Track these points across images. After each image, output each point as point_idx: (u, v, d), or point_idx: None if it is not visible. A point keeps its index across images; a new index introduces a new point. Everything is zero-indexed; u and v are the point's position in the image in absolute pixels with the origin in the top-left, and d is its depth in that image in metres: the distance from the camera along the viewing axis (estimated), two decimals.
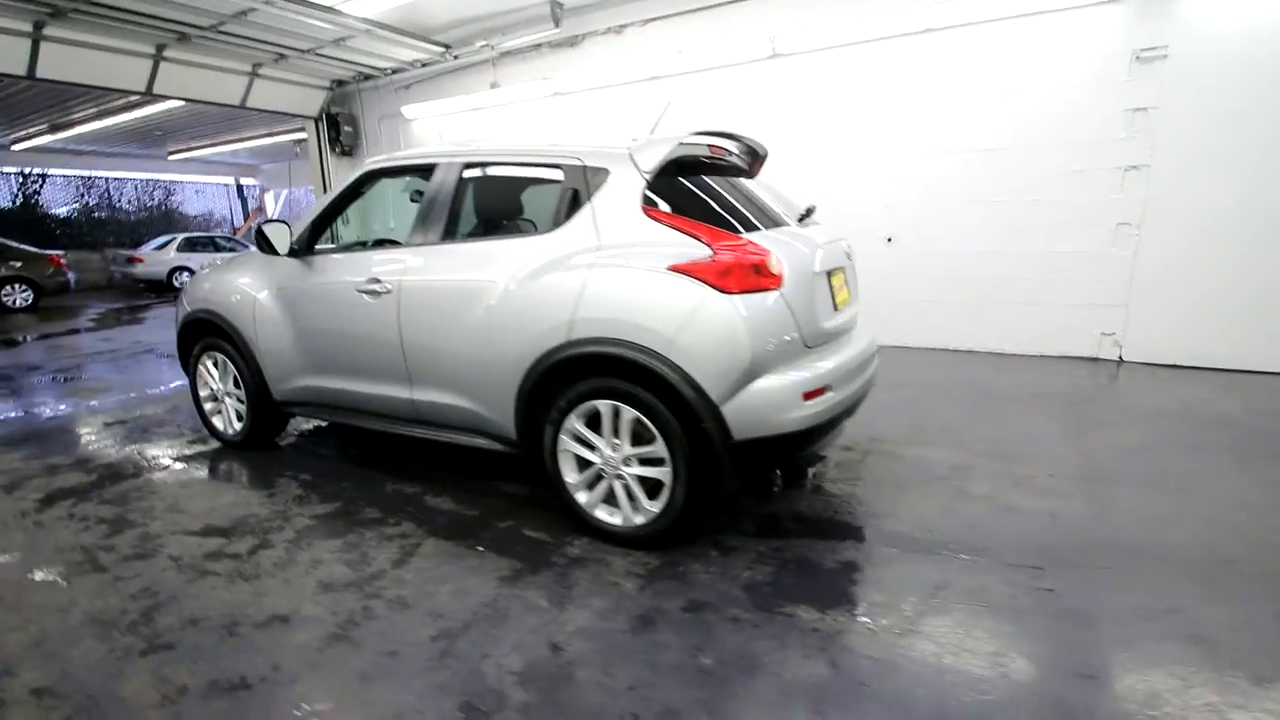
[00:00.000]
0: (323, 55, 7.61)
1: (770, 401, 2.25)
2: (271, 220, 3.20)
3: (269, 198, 19.88)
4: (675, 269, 2.25)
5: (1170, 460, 3.24)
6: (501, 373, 2.62)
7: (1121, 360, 5.33)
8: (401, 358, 2.90)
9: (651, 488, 2.43)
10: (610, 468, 2.46)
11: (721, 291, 2.20)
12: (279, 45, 7.25)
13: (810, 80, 6.17)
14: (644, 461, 2.40)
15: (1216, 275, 4.89)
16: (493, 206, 2.85)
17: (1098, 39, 5.02)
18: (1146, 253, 5.11)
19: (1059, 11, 5.08)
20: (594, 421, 2.48)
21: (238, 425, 3.72)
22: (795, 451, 2.35)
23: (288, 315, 3.29)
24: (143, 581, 2.37)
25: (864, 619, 2.03)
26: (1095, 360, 5.39)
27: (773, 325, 2.25)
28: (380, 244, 3.66)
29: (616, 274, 2.34)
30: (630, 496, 2.46)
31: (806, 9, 6.02)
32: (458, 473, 3.30)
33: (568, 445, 2.54)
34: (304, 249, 3.27)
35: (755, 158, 3.08)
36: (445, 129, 8.80)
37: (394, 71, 8.55)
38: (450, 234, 2.83)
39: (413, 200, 3.89)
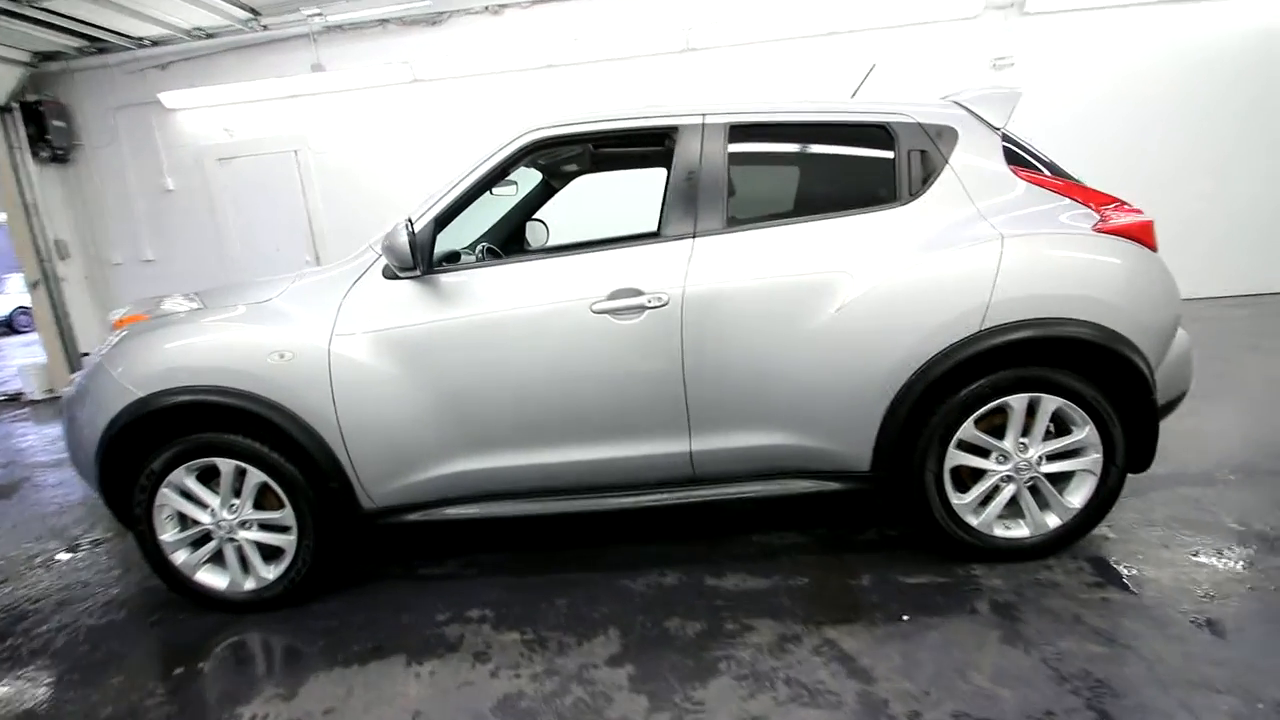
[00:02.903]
0: (49, 11, 5.03)
1: (1183, 359, 2.16)
2: (407, 226, 1.95)
3: None
4: (1105, 230, 2.01)
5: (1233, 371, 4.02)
6: (861, 388, 2.02)
7: None
8: (681, 397, 2.04)
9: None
10: (1022, 470, 2.09)
11: (1153, 251, 2.04)
12: None
13: (726, 75, 6.19)
14: (1051, 456, 2.10)
15: None
16: (805, 178, 2.18)
17: (966, 47, 6.03)
18: None
19: (936, 23, 5.98)
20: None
21: (268, 572, 2.22)
22: (1172, 410, 2.30)
23: (414, 370, 2.06)
24: None
25: None
26: None
27: None
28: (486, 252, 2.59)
29: (1045, 242, 1.99)
30: (1037, 497, 2.13)
31: (717, 4, 6.03)
32: (673, 540, 2.48)
33: (956, 459, 2.09)
34: (426, 264, 2.08)
35: None
36: (237, 122, 6.63)
37: (153, 43, 6.12)
38: (737, 218, 2.09)
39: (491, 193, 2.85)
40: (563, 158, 2.88)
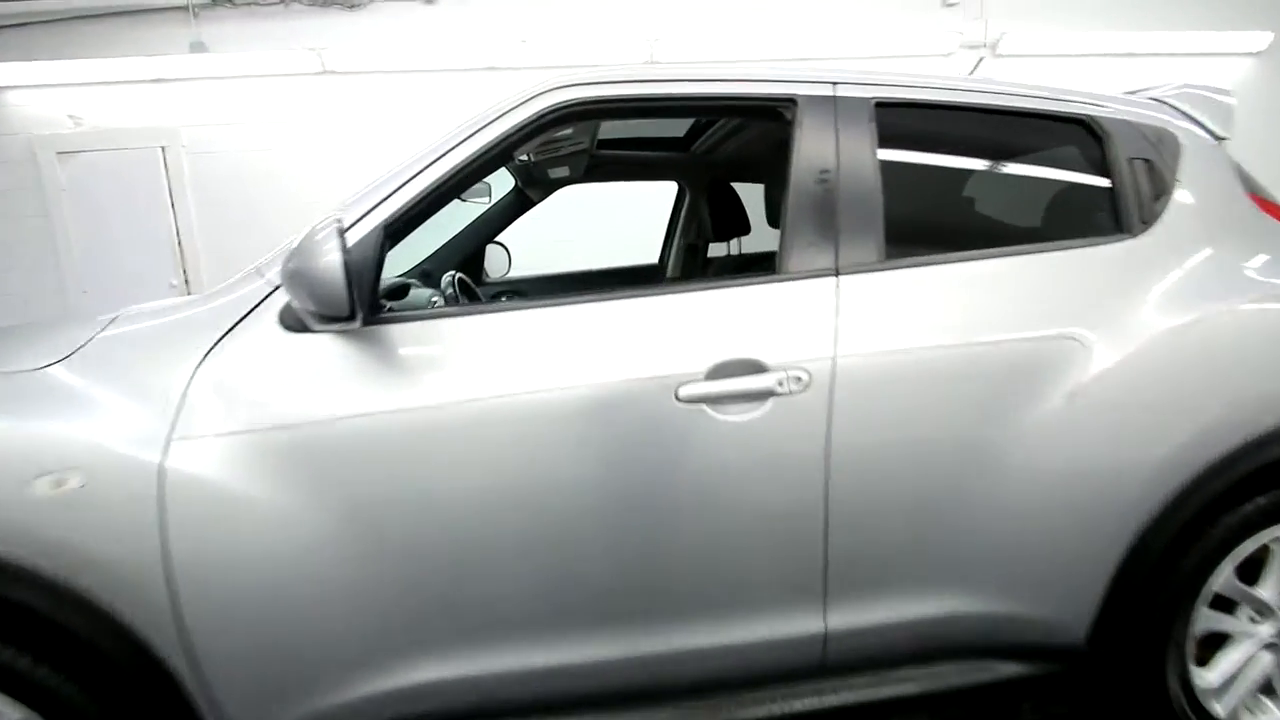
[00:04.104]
0: None
1: None
2: (338, 234, 1.01)
3: None
4: None
5: None
6: (1096, 519, 1.28)
7: None
8: (819, 540, 1.20)
9: None
10: None
11: None
12: None
13: None
14: None
15: None
16: (989, 189, 1.44)
17: None
18: None
19: (911, 57, 5.71)
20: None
21: None
22: None
23: (339, 503, 1.09)
24: None
25: None
26: None
27: None
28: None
29: None
30: None
31: (685, 17, 5.48)
32: None
33: (1206, 620, 1.38)
34: (368, 305, 1.14)
35: None
36: (87, 108, 5.25)
37: None
38: (897, 246, 1.30)
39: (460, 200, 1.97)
40: (562, 154, 2.03)
